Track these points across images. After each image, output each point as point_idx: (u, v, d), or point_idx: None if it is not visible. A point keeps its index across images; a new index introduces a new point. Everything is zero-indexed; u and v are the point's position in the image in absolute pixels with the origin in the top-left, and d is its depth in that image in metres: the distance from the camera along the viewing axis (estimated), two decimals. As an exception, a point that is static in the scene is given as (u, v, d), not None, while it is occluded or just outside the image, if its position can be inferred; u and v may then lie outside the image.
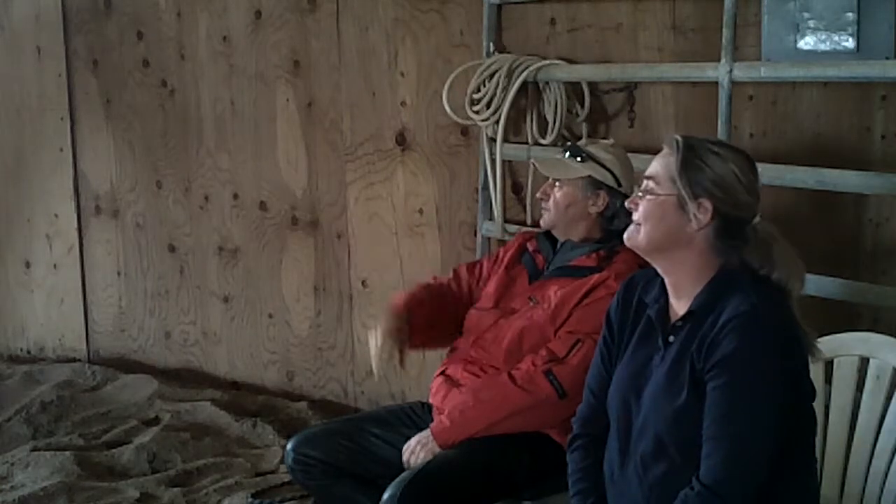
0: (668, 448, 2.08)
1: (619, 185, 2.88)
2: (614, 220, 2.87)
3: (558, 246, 2.96)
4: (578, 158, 2.90)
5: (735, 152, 2.17)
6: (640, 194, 2.17)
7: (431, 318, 3.01)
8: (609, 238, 2.87)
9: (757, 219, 2.14)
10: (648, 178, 2.16)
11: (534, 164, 3.19)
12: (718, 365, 2.01)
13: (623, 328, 2.26)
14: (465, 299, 3.07)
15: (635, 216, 2.16)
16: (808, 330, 2.10)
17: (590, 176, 2.88)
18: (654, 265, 2.19)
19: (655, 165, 2.16)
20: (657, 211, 2.13)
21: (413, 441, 2.76)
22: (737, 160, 2.13)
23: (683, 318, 2.13)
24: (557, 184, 2.92)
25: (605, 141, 3.15)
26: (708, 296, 2.10)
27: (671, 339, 2.13)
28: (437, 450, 2.71)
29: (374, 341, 2.89)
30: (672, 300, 2.18)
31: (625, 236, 2.19)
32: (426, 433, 2.75)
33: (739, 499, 1.99)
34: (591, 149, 2.93)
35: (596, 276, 2.78)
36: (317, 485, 2.91)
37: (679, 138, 2.15)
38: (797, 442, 2.09)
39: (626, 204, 2.22)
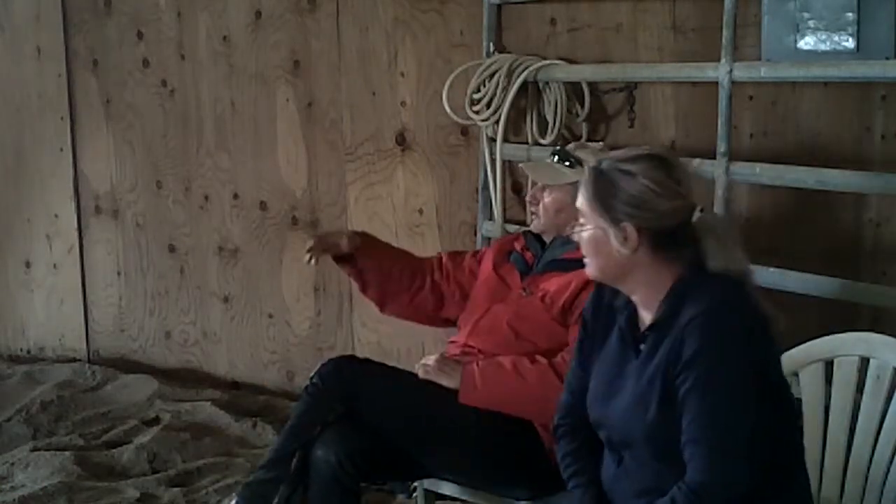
0: (646, 455, 2.09)
1: None
2: None
3: (548, 243, 2.99)
4: (567, 163, 2.91)
5: (646, 161, 2.11)
6: (576, 229, 2.18)
7: (386, 266, 3.14)
8: None
9: (697, 214, 2.10)
10: (579, 211, 2.17)
11: (522, 169, 3.21)
12: (685, 368, 2.01)
13: (596, 331, 2.27)
14: (434, 276, 3.16)
15: (583, 251, 2.18)
16: (769, 312, 2.09)
17: (579, 181, 2.88)
18: (618, 288, 2.20)
19: (579, 198, 2.16)
20: (591, 245, 2.14)
21: (434, 362, 2.80)
22: (647, 171, 2.09)
23: (650, 327, 2.13)
24: (547, 189, 2.94)
25: (595, 144, 3.16)
26: (668, 306, 2.09)
27: (642, 347, 2.13)
28: (456, 385, 2.76)
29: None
30: (639, 309, 2.18)
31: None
32: (455, 367, 2.78)
33: (723, 497, 1.99)
34: (581, 153, 2.94)
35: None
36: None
37: (590, 167, 2.15)
38: (778, 432, 2.08)
39: (572, 237, 2.22)
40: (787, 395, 2.14)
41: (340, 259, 3.16)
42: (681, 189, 2.11)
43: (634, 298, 2.17)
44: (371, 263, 3.14)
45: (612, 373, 2.19)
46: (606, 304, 2.25)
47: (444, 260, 3.20)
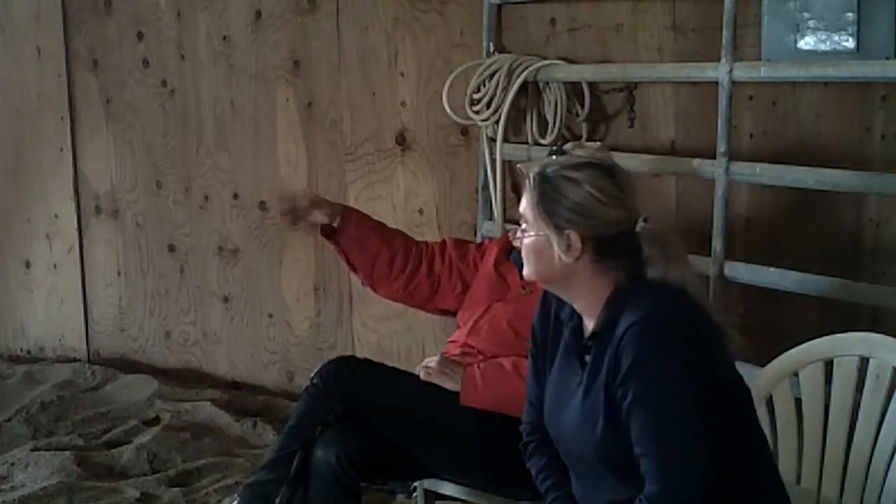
0: (600, 467, 2.09)
1: None
2: None
3: None
4: None
5: (592, 169, 2.11)
6: (518, 234, 2.17)
7: (372, 249, 3.11)
8: None
9: (640, 223, 2.09)
10: (521, 216, 2.16)
11: (520, 169, 3.21)
12: (624, 381, 2.00)
13: (545, 343, 2.26)
14: (433, 264, 3.14)
15: (522, 255, 2.17)
16: (715, 312, 2.08)
17: None
18: (556, 294, 2.20)
19: (523, 203, 2.16)
20: (533, 251, 2.13)
21: (435, 364, 2.81)
22: (594, 179, 2.09)
23: (591, 337, 2.12)
24: None
25: (592, 143, 3.16)
26: (606, 316, 2.08)
27: (586, 358, 2.13)
28: (457, 387, 2.77)
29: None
30: (584, 318, 2.17)
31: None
32: (456, 369, 2.80)
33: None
34: (578, 152, 2.94)
35: None
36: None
37: (533, 173, 2.14)
38: (732, 423, 2.06)
39: (513, 242, 2.23)
40: (740, 393, 2.11)
41: (328, 235, 3.14)
42: (625, 198, 2.11)
43: (577, 307, 2.17)
44: (354, 243, 3.12)
45: (560, 387, 2.19)
46: (554, 315, 2.24)
47: (448, 249, 3.18)
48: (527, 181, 2.14)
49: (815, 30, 2.98)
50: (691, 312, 2.06)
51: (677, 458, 1.96)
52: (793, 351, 2.56)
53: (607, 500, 2.11)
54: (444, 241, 3.24)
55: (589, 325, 2.15)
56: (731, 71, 3.00)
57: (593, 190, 2.08)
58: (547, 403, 2.24)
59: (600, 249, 2.09)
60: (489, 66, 3.51)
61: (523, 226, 2.16)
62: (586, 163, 2.15)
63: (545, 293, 2.28)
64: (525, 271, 2.19)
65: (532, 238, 2.13)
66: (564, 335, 2.20)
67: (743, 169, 3.04)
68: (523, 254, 2.17)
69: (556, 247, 2.08)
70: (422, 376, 2.83)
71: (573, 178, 2.09)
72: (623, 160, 3.35)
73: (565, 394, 2.16)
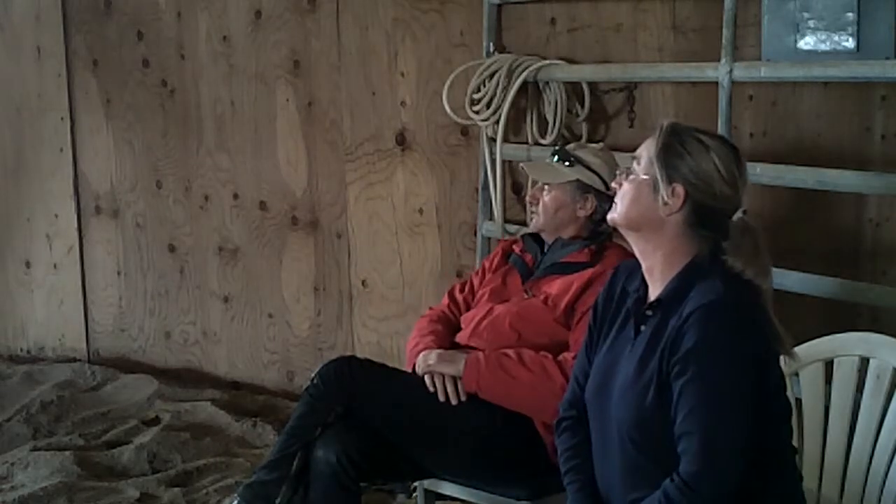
0: (637, 442, 2.09)
1: (608, 188, 2.88)
2: (602, 222, 2.88)
3: (546, 246, 2.99)
4: (567, 163, 2.93)
5: (721, 143, 2.17)
6: (625, 174, 2.19)
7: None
8: (598, 237, 2.91)
9: (739, 213, 2.14)
10: (634, 158, 2.19)
11: (523, 168, 3.22)
12: (683, 359, 2.01)
13: (605, 316, 2.28)
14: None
15: (617, 195, 2.19)
16: (779, 326, 2.10)
17: (578, 180, 2.90)
18: (632, 246, 2.21)
19: (642, 147, 2.19)
20: (633, 191, 2.15)
21: (434, 355, 2.81)
22: (720, 151, 2.14)
23: (652, 306, 2.14)
24: (546, 188, 2.95)
25: (594, 144, 3.16)
26: (677, 285, 2.11)
27: (642, 328, 2.14)
28: (458, 371, 2.77)
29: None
30: (649, 288, 2.18)
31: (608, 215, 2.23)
32: (455, 355, 2.80)
33: (715, 491, 1.98)
34: (580, 153, 2.95)
35: (591, 271, 2.80)
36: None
37: (666, 122, 2.17)
38: (770, 432, 2.08)
39: (611, 184, 2.24)
40: (782, 399, 2.13)
41: None
42: (739, 183, 2.15)
43: (650, 265, 2.17)
44: None
45: (613, 355, 2.20)
46: (620, 288, 2.26)
47: (454, 294, 3.12)
48: (658, 128, 2.16)
49: (815, 30, 2.98)
50: (760, 313, 2.08)
51: (722, 445, 1.98)
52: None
53: (630, 483, 2.10)
54: (450, 294, 3.15)
55: (654, 292, 2.16)
56: (731, 71, 3.00)
57: (718, 161, 2.12)
58: (595, 373, 2.24)
59: (698, 214, 2.11)
60: (489, 66, 3.51)
61: (633, 166, 2.17)
62: (719, 136, 2.21)
63: (616, 269, 2.30)
64: (611, 214, 2.20)
65: (639, 179, 2.14)
66: (627, 304, 2.21)
67: (743, 169, 3.04)
68: (619, 195, 2.18)
69: (661, 191, 2.11)
70: (421, 369, 2.82)
71: (704, 143, 2.13)
72: (623, 160, 3.37)
73: (618, 361, 2.17)
